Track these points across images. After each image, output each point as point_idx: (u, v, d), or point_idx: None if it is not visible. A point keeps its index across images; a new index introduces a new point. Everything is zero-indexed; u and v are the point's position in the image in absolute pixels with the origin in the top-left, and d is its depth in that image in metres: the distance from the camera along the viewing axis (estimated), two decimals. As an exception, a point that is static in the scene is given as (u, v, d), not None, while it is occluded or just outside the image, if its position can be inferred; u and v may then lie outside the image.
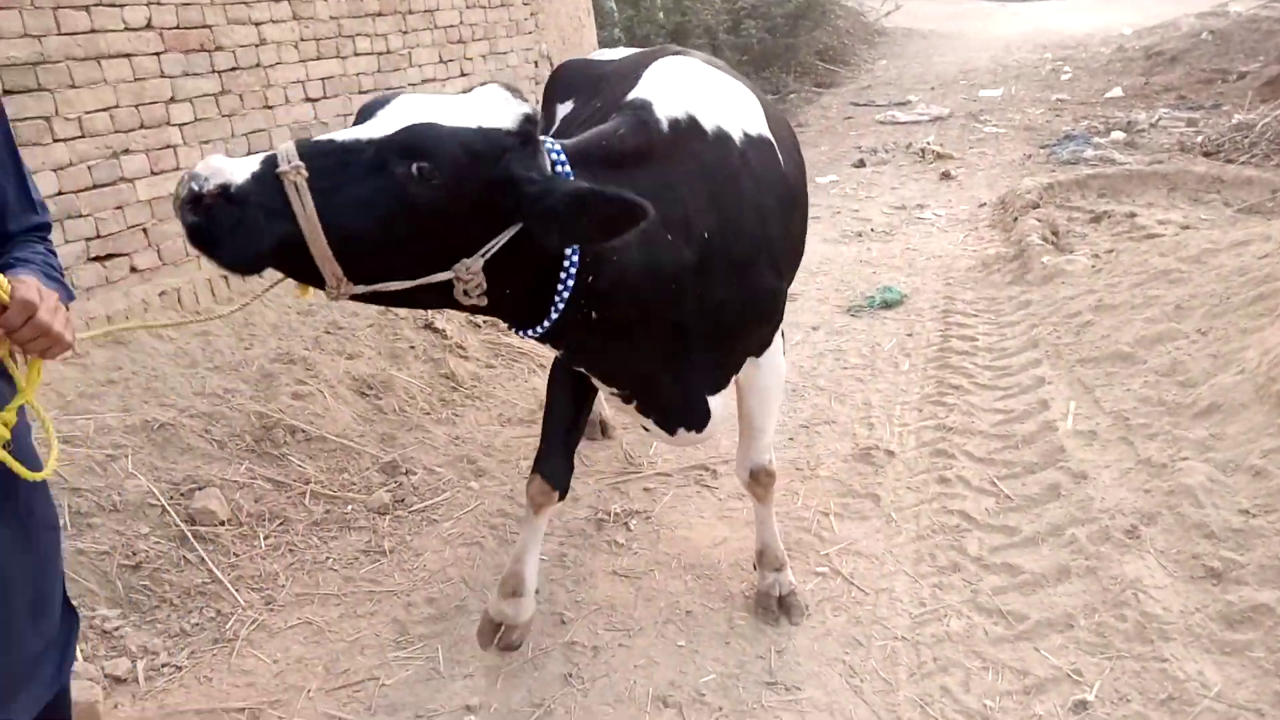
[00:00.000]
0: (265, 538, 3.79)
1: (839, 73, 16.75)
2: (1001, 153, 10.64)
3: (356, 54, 5.89)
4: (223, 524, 3.75)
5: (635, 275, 2.34)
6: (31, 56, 4.12)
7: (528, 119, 2.08)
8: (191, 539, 3.62)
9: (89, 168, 4.40)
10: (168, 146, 4.76)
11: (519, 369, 5.54)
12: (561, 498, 3.18)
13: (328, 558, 3.77)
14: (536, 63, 7.66)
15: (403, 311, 5.48)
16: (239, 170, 1.88)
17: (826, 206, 8.98)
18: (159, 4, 4.64)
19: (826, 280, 6.95)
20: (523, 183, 2.03)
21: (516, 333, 2.38)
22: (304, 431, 4.34)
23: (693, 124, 2.54)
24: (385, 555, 3.82)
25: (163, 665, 3.17)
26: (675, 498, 4.21)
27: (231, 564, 3.63)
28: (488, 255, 2.06)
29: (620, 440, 4.74)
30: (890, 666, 3.07)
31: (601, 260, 2.25)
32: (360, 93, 5.87)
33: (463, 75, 6.80)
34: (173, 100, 4.77)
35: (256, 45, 5.20)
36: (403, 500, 4.17)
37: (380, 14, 6.01)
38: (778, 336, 3.04)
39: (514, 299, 2.25)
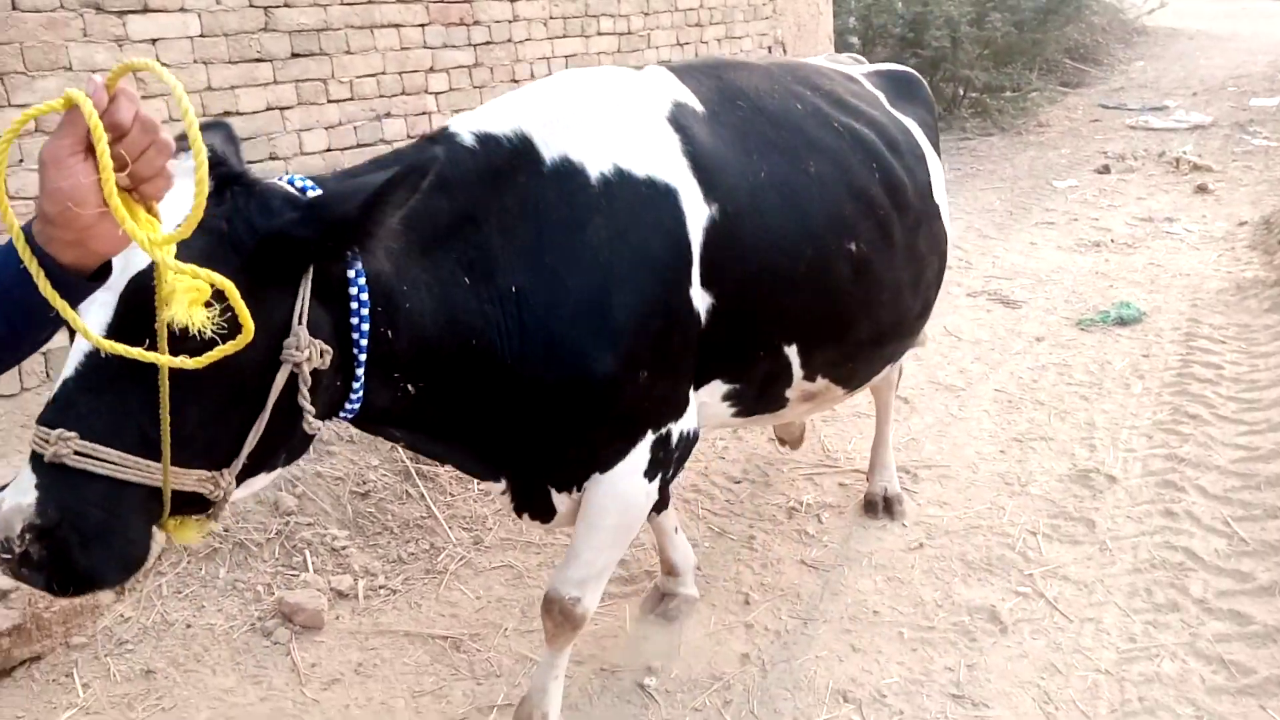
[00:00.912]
0: (478, 482, 4.04)
1: (1089, 72, 15.65)
2: (1271, 168, 9.62)
3: (600, 33, 6.10)
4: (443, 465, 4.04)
5: (434, 327, 1.91)
6: (317, 23, 4.54)
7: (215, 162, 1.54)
8: (414, 475, 3.92)
9: (355, 128, 4.81)
10: (424, 113, 5.13)
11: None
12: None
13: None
14: (769, 49, 7.64)
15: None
16: (16, 495, 1.42)
17: (1063, 213, 8.46)
18: (428, -21, 4.98)
19: (1056, 290, 6.57)
20: (287, 226, 1.59)
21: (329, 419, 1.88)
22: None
23: (523, 149, 2.06)
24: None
25: (380, 587, 3.46)
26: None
27: (447, 503, 3.90)
28: (302, 318, 1.62)
29: (819, 432, 4.71)
30: (1090, 700, 2.90)
31: (394, 308, 1.83)
32: (598, 70, 6.08)
33: (697, 58, 6.89)
34: (431, 70, 5.13)
35: (510, 21, 5.49)
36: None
37: (625, -5, 6.18)
38: (637, 453, 2.29)
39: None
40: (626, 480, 2.31)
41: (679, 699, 2.99)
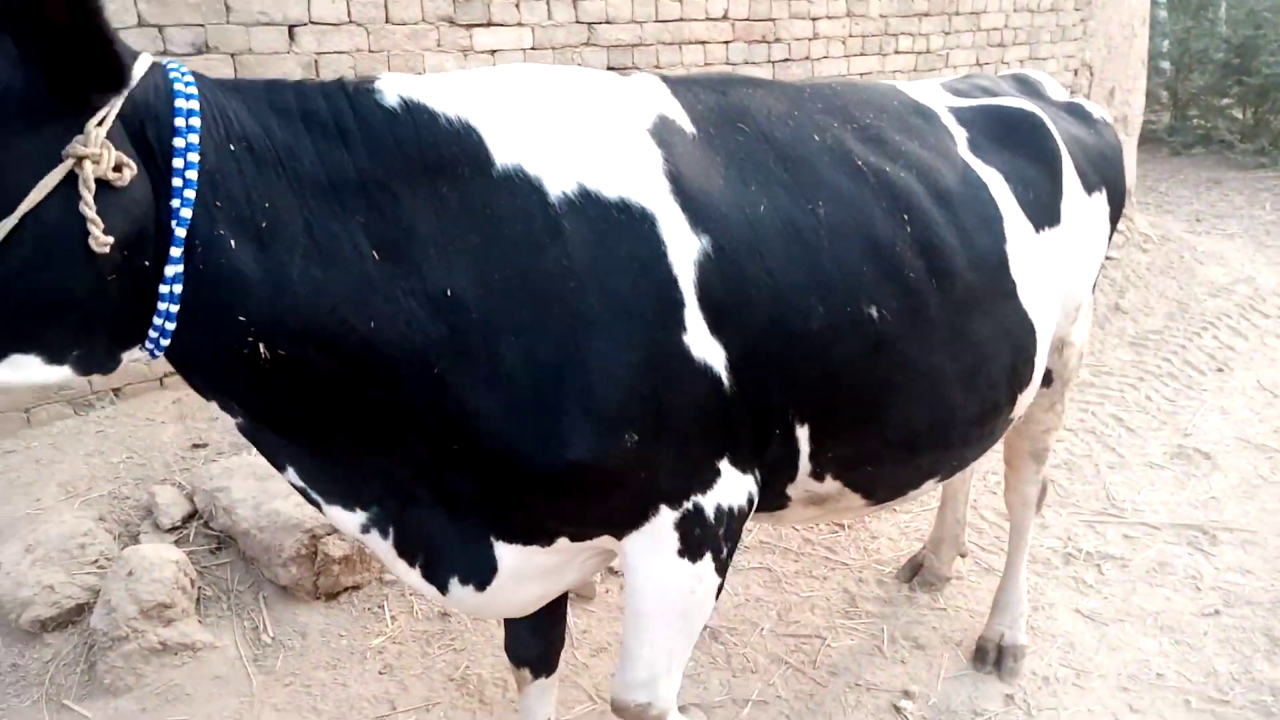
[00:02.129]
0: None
1: None
2: None
3: (897, 52, 6.06)
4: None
5: (304, 278, 1.55)
6: (633, 39, 4.86)
7: None
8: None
9: (655, 137, 5.10)
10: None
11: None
12: (541, 673, 2.48)
13: (792, 517, 4.04)
14: (1076, 71, 7.25)
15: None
16: None
17: None
18: (737, -2, 5.19)
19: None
20: None
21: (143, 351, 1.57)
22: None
23: (466, 138, 1.69)
24: (844, 529, 3.99)
25: (647, 569, 3.65)
26: (1160, 554, 3.83)
27: (712, 500, 4.04)
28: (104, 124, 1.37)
29: (1105, 479, 4.43)
30: None
31: (240, 220, 1.51)
32: (892, 90, 6.06)
33: (995, 79, 6.67)
34: (730, 84, 5.33)
35: (810, 39, 5.59)
36: (867, 483, 4.30)
37: (927, 14, 6.11)
38: (657, 531, 1.90)
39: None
40: (655, 562, 1.94)
41: (935, 727, 2.94)
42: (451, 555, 1.91)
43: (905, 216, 2.12)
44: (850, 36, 5.77)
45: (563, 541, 1.93)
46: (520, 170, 1.70)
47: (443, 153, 1.66)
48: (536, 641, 2.43)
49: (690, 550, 1.95)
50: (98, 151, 1.33)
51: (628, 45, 4.84)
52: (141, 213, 1.41)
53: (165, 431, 3.74)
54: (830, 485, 2.23)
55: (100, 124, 1.35)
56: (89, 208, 1.32)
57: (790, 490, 2.19)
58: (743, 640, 3.31)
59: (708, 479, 1.93)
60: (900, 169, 2.18)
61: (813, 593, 3.59)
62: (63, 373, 1.46)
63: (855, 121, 2.22)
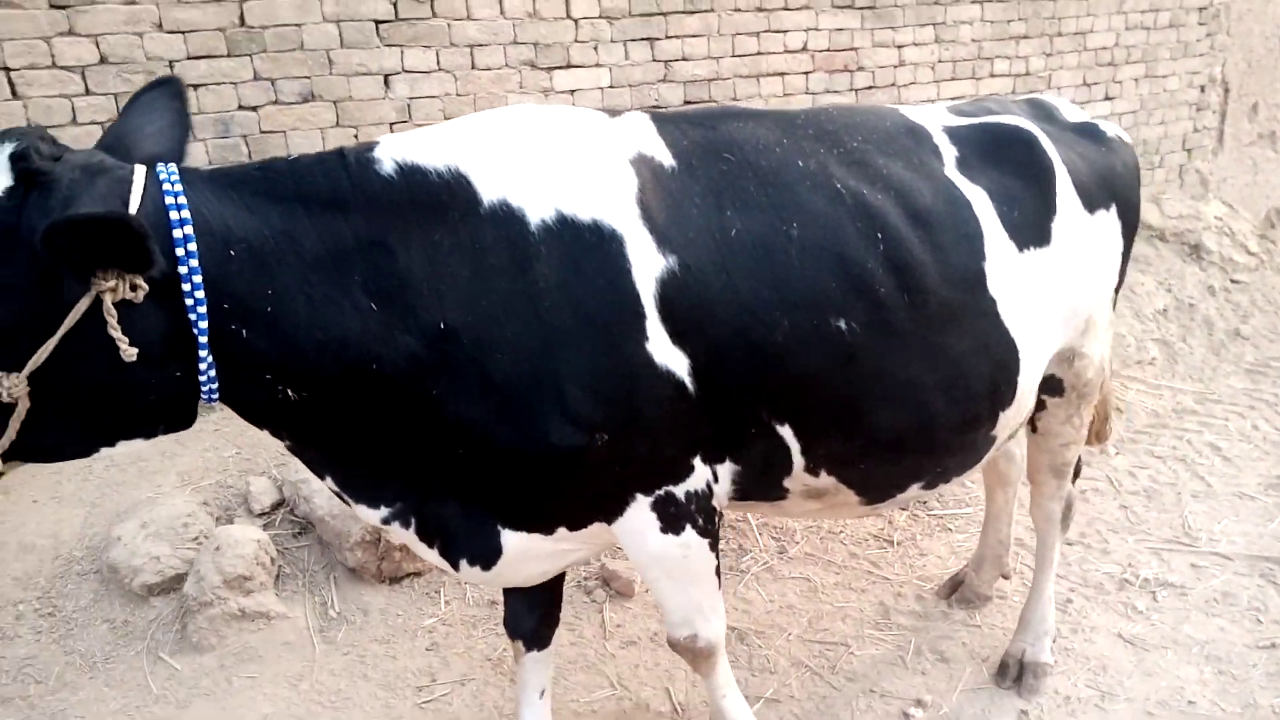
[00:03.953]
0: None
1: None
2: None
3: (993, 75, 6.03)
4: (764, 477, 4.33)
5: (311, 342, 1.88)
6: (709, 74, 5.11)
7: (16, 157, 1.66)
8: (735, 482, 4.26)
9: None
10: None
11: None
12: (534, 646, 2.74)
13: (841, 531, 4.12)
14: (1203, 88, 6.93)
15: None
16: None
17: None
18: (816, 30, 5.35)
19: None
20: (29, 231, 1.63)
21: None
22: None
23: (457, 185, 1.97)
24: (892, 545, 4.04)
25: (687, 573, 3.84)
26: (1226, 584, 3.68)
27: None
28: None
29: (1184, 506, 4.26)
30: None
31: (249, 312, 1.83)
32: (988, 113, 6.01)
33: (1107, 99, 6.49)
34: (812, 113, 5.48)
35: (895, 66, 5.67)
36: (925, 503, 4.32)
37: (1025, 36, 6.05)
38: (636, 515, 2.21)
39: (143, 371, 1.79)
40: (643, 540, 2.26)
41: (941, 735, 2.99)
42: (463, 540, 2.23)
43: (879, 235, 2.26)
44: (940, 62, 5.80)
45: (562, 530, 2.24)
46: (505, 204, 1.98)
47: (435, 204, 1.95)
48: (530, 618, 2.69)
49: (670, 526, 2.26)
50: (113, 284, 1.66)
51: (704, 80, 5.10)
52: (164, 323, 1.76)
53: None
54: (825, 480, 2.42)
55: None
56: (114, 329, 1.68)
57: (788, 483, 2.41)
58: (768, 643, 3.45)
59: (680, 472, 2.21)
60: (878, 190, 2.32)
61: (847, 604, 3.67)
62: (159, 438, 1.94)
63: (842, 146, 2.37)
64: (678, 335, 2.06)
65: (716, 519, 2.38)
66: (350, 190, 1.91)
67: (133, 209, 1.70)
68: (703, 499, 2.28)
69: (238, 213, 1.84)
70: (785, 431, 2.27)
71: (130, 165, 1.79)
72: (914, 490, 2.61)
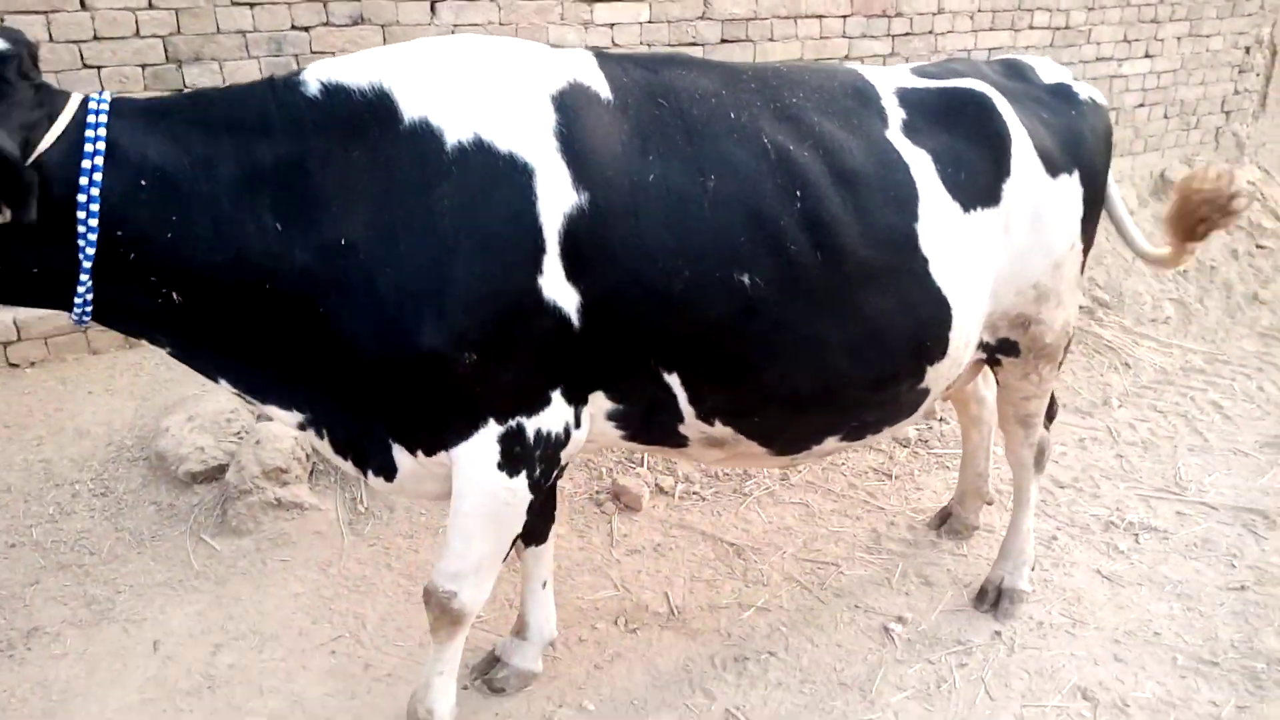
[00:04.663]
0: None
1: None
2: None
3: (1031, 27, 6.03)
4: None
5: (208, 255, 1.97)
6: (747, 13, 5.19)
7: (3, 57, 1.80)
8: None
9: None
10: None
11: (1098, 361, 5.35)
12: (532, 542, 2.92)
13: (843, 463, 4.32)
14: (1249, 49, 6.86)
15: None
16: None
17: None
18: (856, -27, 5.39)
19: None
20: None
21: (72, 318, 2.00)
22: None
23: (379, 103, 2.04)
24: (890, 479, 4.23)
25: (693, 492, 4.06)
26: (1208, 531, 3.85)
27: (767, 440, 4.39)
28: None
29: (1179, 458, 4.41)
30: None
31: (145, 239, 1.93)
32: (1024, 65, 6.03)
33: (1147, 56, 6.46)
34: (847, 58, 5.54)
35: (934, 14, 5.69)
36: (926, 441, 4.50)
37: (1067, -12, 6.03)
38: (481, 442, 2.21)
39: (21, 269, 1.92)
40: (476, 469, 2.24)
41: (918, 649, 3.21)
42: (368, 453, 2.31)
43: (798, 193, 2.28)
44: (979, 11, 5.81)
45: (421, 454, 2.28)
46: (425, 121, 2.04)
47: (356, 121, 2.01)
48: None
49: (509, 464, 2.26)
50: None
51: (741, 19, 5.17)
52: (55, 244, 1.87)
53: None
54: (722, 430, 2.46)
55: None
56: None
57: (683, 429, 2.45)
58: (763, 559, 3.68)
59: (536, 405, 2.24)
60: (806, 147, 2.33)
61: (842, 529, 3.89)
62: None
63: (780, 101, 2.39)
64: (574, 272, 2.11)
65: (554, 475, 2.41)
66: (275, 113, 2.00)
67: (51, 137, 1.84)
68: (552, 444, 2.29)
69: (161, 142, 1.94)
70: (673, 380, 2.32)
71: (69, 95, 1.92)
72: (831, 443, 2.67)
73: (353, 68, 2.08)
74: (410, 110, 2.04)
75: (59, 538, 3.52)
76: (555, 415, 2.27)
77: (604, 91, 2.21)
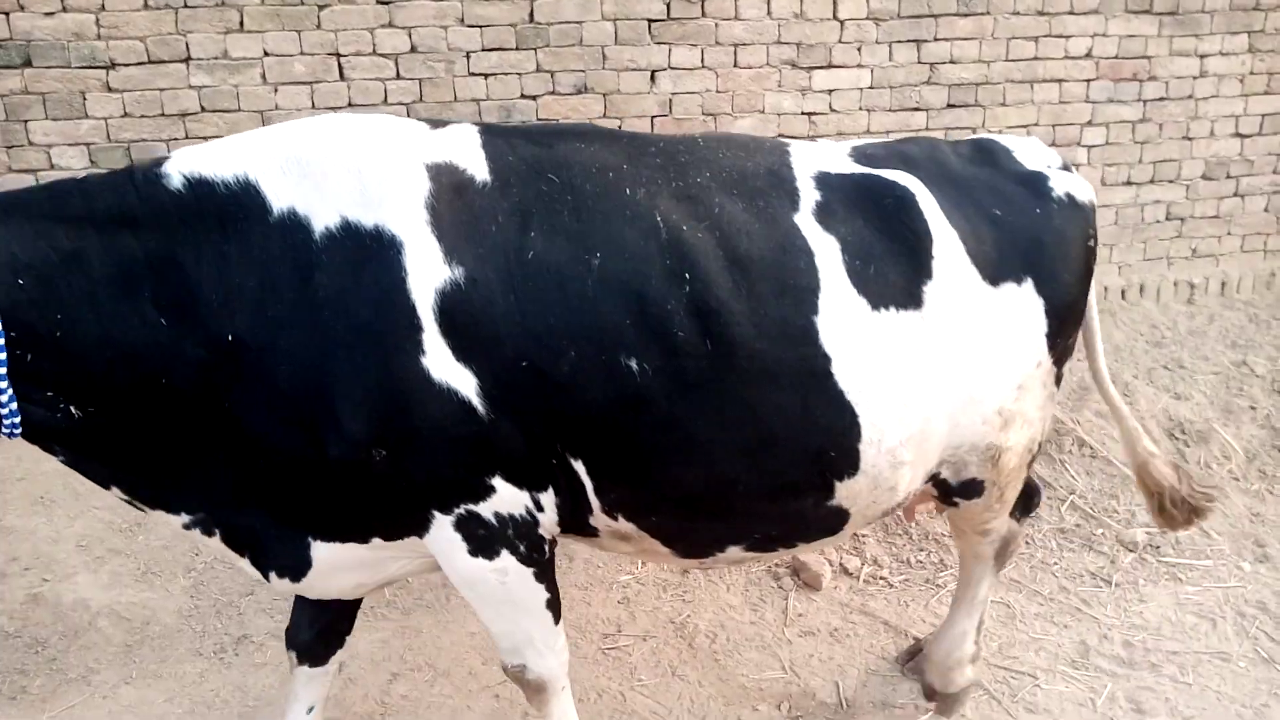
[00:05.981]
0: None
1: None
2: None
3: (1318, 91, 5.37)
4: (979, 496, 4.22)
5: (100, 358, 1.90)
6: (977, 78, 4.98)
7: None
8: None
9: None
10: (1074, 165, 5.21)
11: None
12: (306, 661, 2.64)
13: (1056, 563, 3.94)
14: None
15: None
16: None
17: None
18: (1104, 36, 5.04)
19: None
20: None
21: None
22: (1091, 449, 4.47)
23: (246, 195, 1.97)
24: (1109, 585, 3.80)
25: (879, 577, 3.84)
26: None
27: (968, 528, 4.08)
28: None
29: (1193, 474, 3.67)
30: None
31: (36, 338, 1.84)
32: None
33: None
34: (1089, 124, 5.17)
35: (1195, 77, 5.21)
36: (1157, 547, 4.02)
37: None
38: (440, 533, 2.13)
39: None
40: (451, 560, 2.20)
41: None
42: (272, 551, 2.23)
43: (687, 275, 2.12)
44: (1252, 74, 5.25)
45: (377, 540, 2.21)
46: (293, 212, 1.98)
47: (224, 215, 1.97)
48: (308, 632, 2.62)
49: (481, 549, 2.17)
50: None
51: (970, 84, 4.96)
52: None
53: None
54: (625, 525, 2.30)
55: None
56: None
57: (593, 521, 2.30)
58: (949, 659, 3.39)
59: (479, 491, 2.12)
60: (701, 229, 2.17)
61: (1045, 636, 3.53)
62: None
63: (683, 179, 2.25)
64: (461, 352, 2.01)
65: (546, 548, 2.29)
66: (138, 206, 1.94)
67: None
68: (522, 525, 2.19)
69: (23, 237, 1.85)
70: (579, 467, 2.18)
71: None
72: (736, 552, 2.44)
73: (215, 159, 2.03)
74: (277, 201, 1.99)
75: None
76: (508, 500, 2.16)
77: (480, 167, 2.13)
